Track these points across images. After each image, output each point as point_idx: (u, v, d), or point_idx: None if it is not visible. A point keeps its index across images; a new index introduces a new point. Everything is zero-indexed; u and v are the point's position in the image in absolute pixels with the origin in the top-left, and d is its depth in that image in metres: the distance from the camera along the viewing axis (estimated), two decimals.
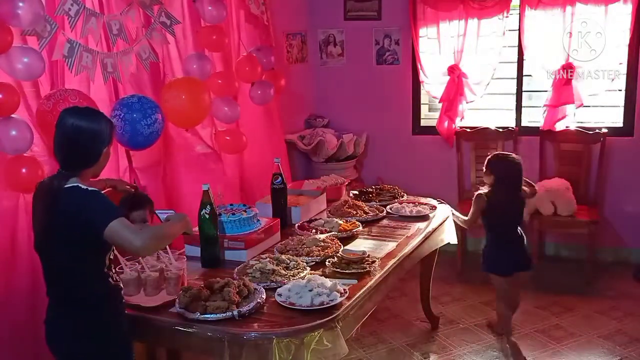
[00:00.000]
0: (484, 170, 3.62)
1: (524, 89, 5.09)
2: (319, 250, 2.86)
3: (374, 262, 2.77)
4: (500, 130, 5.08)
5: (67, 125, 2.17)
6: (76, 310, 2.21)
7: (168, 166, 3.83)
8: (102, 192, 2.25)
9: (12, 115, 2.75)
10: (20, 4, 2.64)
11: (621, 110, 4.88)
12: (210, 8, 3.80)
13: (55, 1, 3.00)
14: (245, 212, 3.02)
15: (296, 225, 3.30)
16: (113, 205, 2.19)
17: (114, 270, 2.33)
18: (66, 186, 2.15)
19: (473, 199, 3.62)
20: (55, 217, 2.15)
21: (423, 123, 5.42)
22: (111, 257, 2.30)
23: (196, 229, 2.87)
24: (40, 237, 2.23)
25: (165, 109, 3.46)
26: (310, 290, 2.40)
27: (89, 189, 2.17)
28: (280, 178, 3.33)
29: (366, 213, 3.51)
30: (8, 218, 2.85)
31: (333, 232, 3.16)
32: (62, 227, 2.14)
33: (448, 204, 3.90)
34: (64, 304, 2.23)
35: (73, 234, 2.13)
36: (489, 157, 3.65)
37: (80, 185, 2.16)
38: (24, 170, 2.77)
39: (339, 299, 2.38)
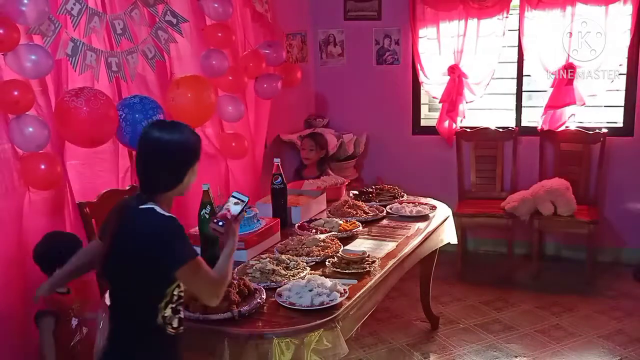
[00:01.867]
0: (313, 147, 4.48)
1: (524, 89, 5.09)
2: (319, 250, 2.86)
3: (374, 262, 2.77)
4: (500, 130, 5.09)
5: (151, 139, 1.99)
6: (123, 346, 2.04)
7: None
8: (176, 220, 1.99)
9: (27, 113, 2.77)
10: (25, 1, 2.65)
11: (621, 110, 4.88)
12: (216, 5, 3.80)
13: (58, 0, 3.01)
14: (245, 212, 3.01)
15: (296, 225, 3.30)
16: (188, 242, 1.98)
17: (176, 316, 2.03)
18: (141, 207, 1.97)
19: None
20: (125, 239, 1.97)
21: (423, 123, 5.42)
22: (176, 295, 2.01)
23: (196, 229, 2.88)
24: (107, 258, 2.03)
25: (171, 107, 3.46)
26: (310, 290, 2.40)
27: (166, 214, 1.97)
28: (280, 178, 3.33)
29: (366, 213, 3.51)
30: (13, 218, 2.85)
31: (333, 232, 3.16)
32: (128, 251, 1.95)
33: (448, 204, 3.91)
34: (114, 333, 2.06)
35: (137, 260, 1.94)
36: (315, 134, 4.61)
37: (155, 207, 1.97)
38: (42, 167, 2.80)
39: (339, 299, 2.38)
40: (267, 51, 4.32)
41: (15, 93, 2.69)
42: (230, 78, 3.97)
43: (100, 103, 2.95)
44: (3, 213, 2.80)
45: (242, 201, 2.34)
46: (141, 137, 2.02)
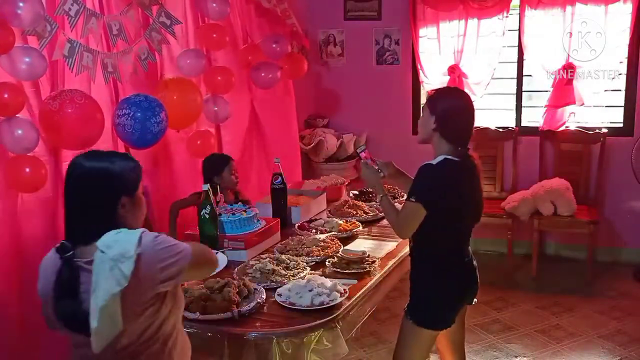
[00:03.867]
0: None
1: (524, 89, 5.09)
2: (319, 250, 2.86)
3: (374, 262, 2.77)
4: (500, 130, 5.09)
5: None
6: None
7: (168, 166, 3.82)
8: None
9: (17, 115, 2.76)
10: (21, 4, 2.64)
11: (621, 110, 4.88)
12: (214, 5, 3.79)
13: (56, 1, 3.00)
14: (245, 212, 3.02)
15: (296, 225, 3.30)
16: None
17: None
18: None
19: None
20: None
21: None
22: None
23: (196, 228, 2.88)
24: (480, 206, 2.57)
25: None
26: (310, 290, 2.40)
27: None
28: (280, 178, 3.33)
29: (366, 213, 3.50)
30: (8, 219, 2.85)
31: (333, 232, 3.15)
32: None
33: None
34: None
35: None
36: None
37: None
38: (27, 170, 2.78)
39: (339, 299, 2.38)
40: (273, 46, 4.33)
41: (6, 95, 2.67)
42: (218, 78, 3.94)
43: (76, 106, 2.89)
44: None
45: (364, 145, 2.88)
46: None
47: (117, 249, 1.58)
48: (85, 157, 1.73)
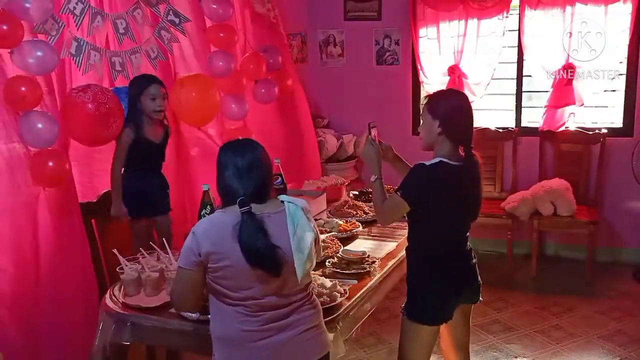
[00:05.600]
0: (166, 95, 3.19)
1: (524, 89, 5.09)
2: None
3: (373, 262, 2.77)
4: (500, 130, 5.09)
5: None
6: None
7: (177, 165, 3.83)
8: None
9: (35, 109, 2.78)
10: None
11: (621, 111, 4.88)
12: (214, 6, 3.80)
13: (61, 0, 3.01)
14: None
15: None
16: None
17: None
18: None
19: None
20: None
21: None
22: None
23: None
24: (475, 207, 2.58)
25: (176, 106, 3.46)
26: None
27: None
28: (280, 178, 3.33)
29: (366, 213, 3.50)
30: (28, 214, 2.85)
31: (333, 233, 3.16)
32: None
33: None
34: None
35: None
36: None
37: None
38: (50, 164, 2.79)
39: (339, 299, 2.38)
40: (262, 55, 4.35)
41: (23, 89, 2.69)
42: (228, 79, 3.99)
43: (107, 98, 2.95)
44: (16, 211, 2.80)
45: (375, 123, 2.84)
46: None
47: (301, 203, 2.11)
48: (245, 146, 2.14)
